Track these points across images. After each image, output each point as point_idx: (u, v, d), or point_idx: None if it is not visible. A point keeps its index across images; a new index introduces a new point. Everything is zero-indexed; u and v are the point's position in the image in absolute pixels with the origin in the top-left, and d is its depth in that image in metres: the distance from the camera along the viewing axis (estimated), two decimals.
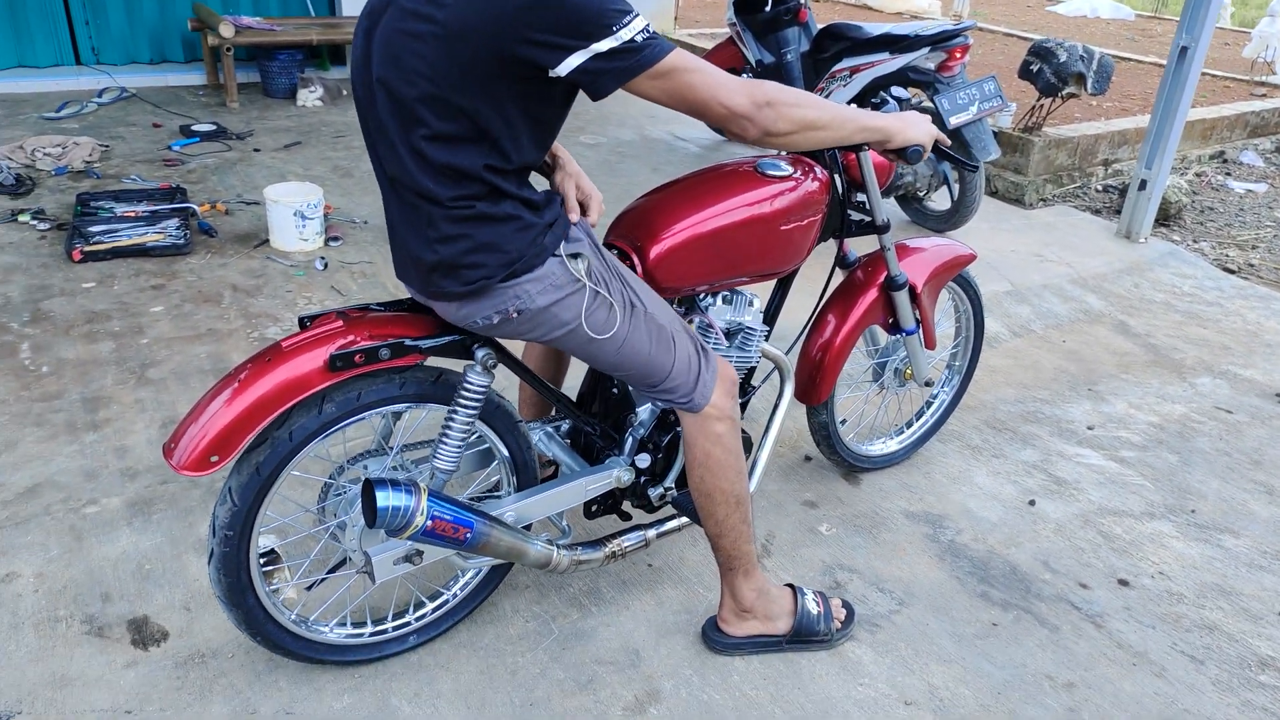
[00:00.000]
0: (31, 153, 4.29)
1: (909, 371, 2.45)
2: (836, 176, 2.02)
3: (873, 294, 2.24)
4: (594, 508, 2.00)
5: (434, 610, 1.92)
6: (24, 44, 5.52)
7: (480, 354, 1.66)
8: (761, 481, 2.23)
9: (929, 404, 2.71)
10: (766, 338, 2.09)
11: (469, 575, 1.95)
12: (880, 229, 2.12)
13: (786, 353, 2.19)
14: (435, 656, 1.91)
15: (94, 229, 3.57)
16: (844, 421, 2.51)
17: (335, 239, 3.74)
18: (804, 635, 1.95)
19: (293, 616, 1.75)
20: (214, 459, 1.47)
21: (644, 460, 1.96)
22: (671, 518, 2.06)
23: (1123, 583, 2.25)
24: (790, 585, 2.01)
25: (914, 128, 1.74)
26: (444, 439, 1.70)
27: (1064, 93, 4.62)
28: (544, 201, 1.55)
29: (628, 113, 6.00)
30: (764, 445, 2.13)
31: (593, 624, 2.03)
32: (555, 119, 1.50)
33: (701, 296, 1.97)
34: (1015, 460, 2.73)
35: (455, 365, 1.71)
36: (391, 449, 1.77)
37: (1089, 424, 2.94)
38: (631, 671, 1.91)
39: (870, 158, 2.02)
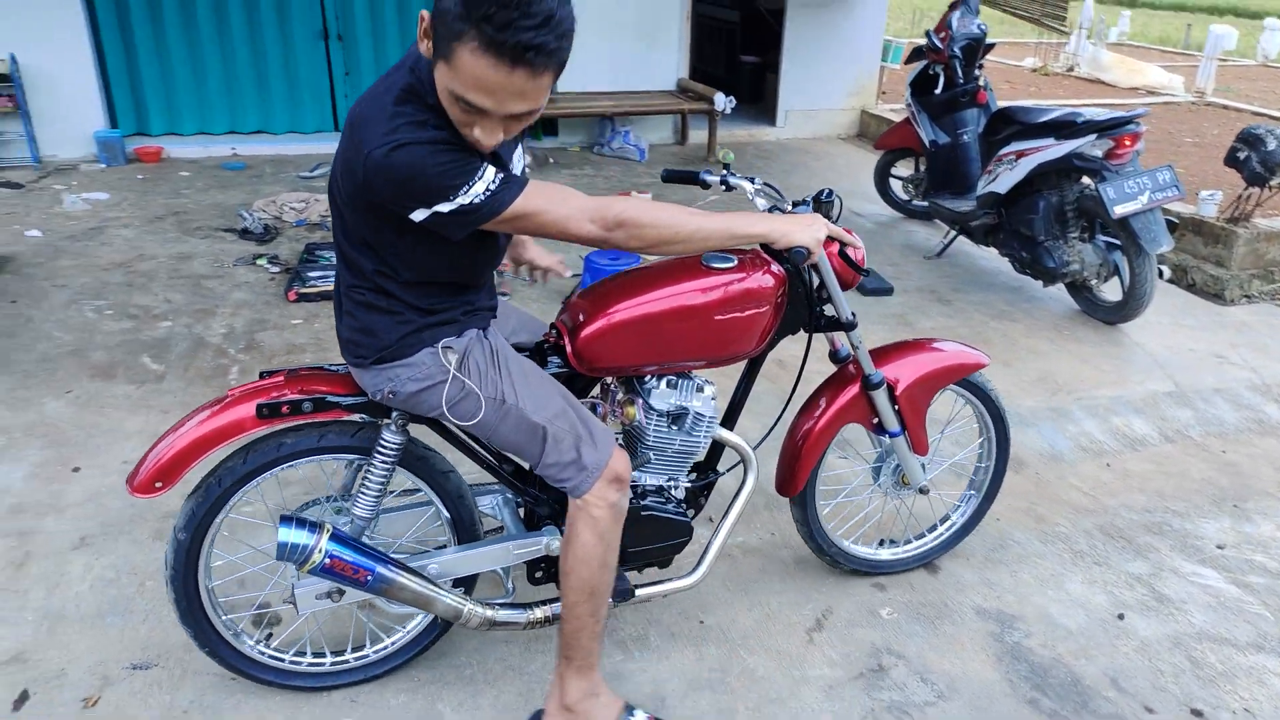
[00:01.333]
0: (280, 206, 5.10)
1: (906, 476, 2.40)
2: (803, 272, 2.02)
3: (853, 390, 2.24)
4: (538, 573, 2.08)
5: (375, 653, 2.10)
6: (296, 113, 6.54)
7: (395, 414, 1.86)
8: (714, 567, 2.17)
9: (943, 520, 2.61)
10: (729, 425, 2.15)
11: (412, 622, 2.11)
12: (845, 326, 2.10)
13: (756, 446, 2.19)
14: (485, 674, 2.14)
15: (311, 274, 4.20)
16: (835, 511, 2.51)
17: (504, 294, 4.17)
18: None
19: (250, 642, 2.00)
20: (158, 485, 1.76)
21: None
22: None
23: (1196, 713, 2.10)
24: (626, 703, 1.98)
25: (800, 230, 1.78)
26: (362, 488, 1.91)
27: (1273, 183, 4.28)
28: (437, 306, 1.74)
29: (807, 184, 6.15)
30: (718, 532, 2.17)
31: (632, 667, 2.18)
32: (453, 251, 1.66)
33: (645, 379, 2.02)
34: (1119, 570, 2.59)
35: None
36: (352, 496, 1.95)
37: (1220, 543, 2.73)
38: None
39: (825, 258, 1.98)
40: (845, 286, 2.05)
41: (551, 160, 6.39)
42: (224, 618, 1.97)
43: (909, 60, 5.05)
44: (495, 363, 1.80)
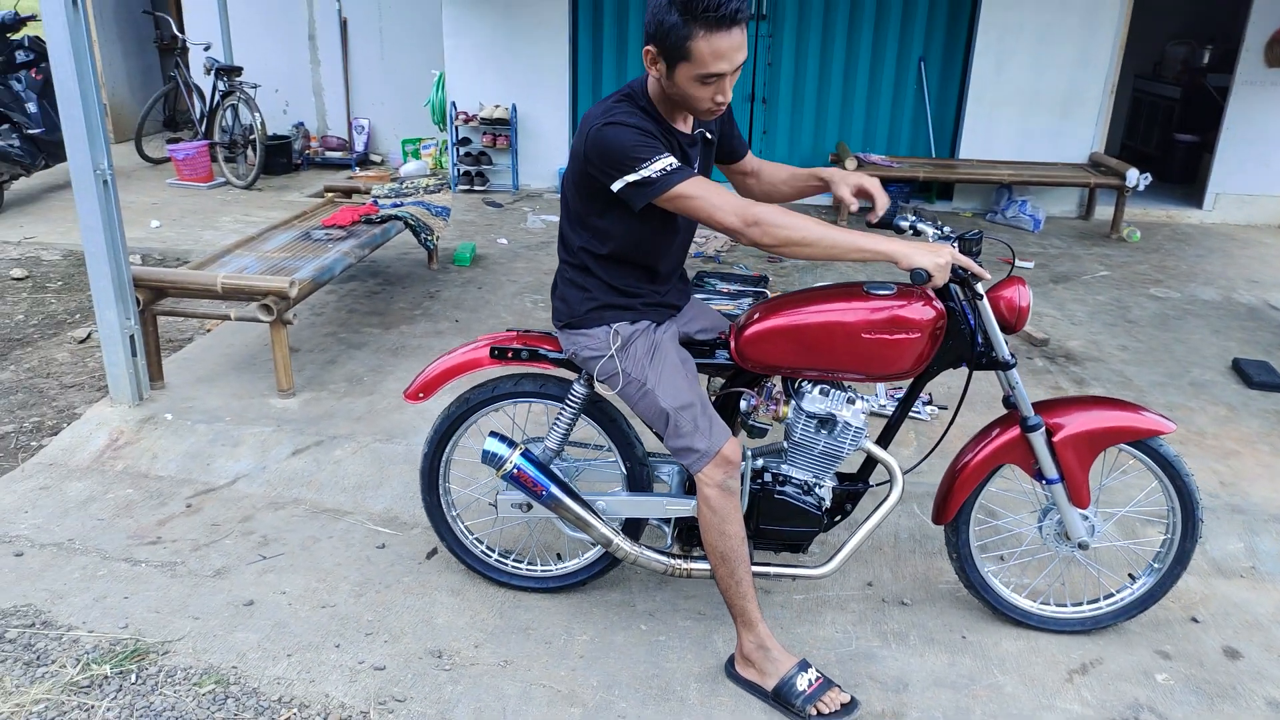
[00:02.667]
0: None
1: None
2: (966, 308, 2.19)
3: (1014, 431, 2.31)
4: (680, 532, 2.47)
5: (558, 568, 2.63)
6: None
7: (583, 371, 2.31)
8: (847, 565, 2.50)
9: (1118, 590, 2.52)
10: (882, 442, 2.35)
11: (589, 552, 2.59)
12: (1001, 365, 2.21)
13: (908, 470, 2.38)
14: (604, 596, 2.53)
15: (697, 295, 4.90)
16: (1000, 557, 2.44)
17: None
18: (781, 699, 2.22)
19: (469, 537, 2.64)
20: (421, 395, 2.45)
21: None
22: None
23: None
24: (802, 660, 2.25)
25: (921, 254, 1.94)
26: (554, 426, 2.41)
27: None
28: (625, 288, 2.21)
29: (1224, 272, 5.67)
30: (853, 536, 2.39)
31: (885, 654, 2.44)
32: (639, 229, 2.13)
33: (800, 382, 2.30)
34: None
35: None
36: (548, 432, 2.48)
37: None
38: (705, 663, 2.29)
39: (986, 299, 2.15)
40: (1010, 331, 2.20)
41: (939, 222, 6.57)
42: (453, 513, 2.63)
43: None
44: (650, 352, 2.22)
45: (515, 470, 2.36)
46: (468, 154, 7.27)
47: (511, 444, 2.39)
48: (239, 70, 7.40)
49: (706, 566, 2.37)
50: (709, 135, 2.26)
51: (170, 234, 6.03)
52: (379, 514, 3.03)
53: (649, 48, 1.99)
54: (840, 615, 2.59)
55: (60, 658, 2.30)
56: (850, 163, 6.39)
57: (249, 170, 7.35)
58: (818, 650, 2.45)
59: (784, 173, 2.44)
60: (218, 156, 7.50)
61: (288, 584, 2.63)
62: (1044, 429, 2.30)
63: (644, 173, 1.99)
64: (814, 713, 2.18)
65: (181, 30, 8.17)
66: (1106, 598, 2.54)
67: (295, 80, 8.42)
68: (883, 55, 7.06)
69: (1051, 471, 2.33)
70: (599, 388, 2.37)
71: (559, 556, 2.72)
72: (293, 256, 4.03)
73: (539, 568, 2.66)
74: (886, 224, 2.19)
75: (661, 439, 2.27)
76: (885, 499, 2.37)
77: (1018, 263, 5.70)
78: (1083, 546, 2.42)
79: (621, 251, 2.22)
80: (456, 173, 7.32)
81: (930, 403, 3.71)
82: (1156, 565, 2.49)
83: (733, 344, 2.30)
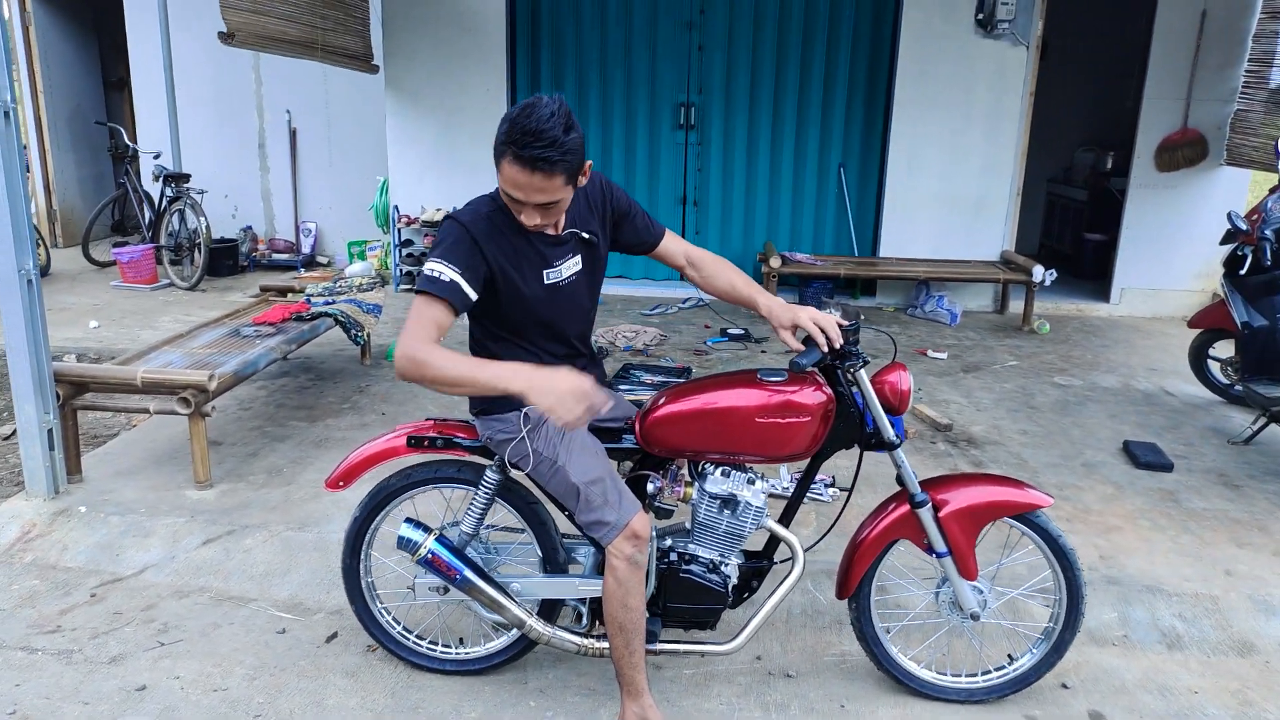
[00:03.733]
0: (616, 334, 6.14)
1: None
2: (855, 392, 2.37)
3: (904, 508, 2.46)
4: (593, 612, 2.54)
5: (471, 651, 2.70)
6: (650, 264, 7.77)
7: (496, 457, 2.43)
8: (751, 643, 2.58)
9: (1009, 661, 2.65)
10: (783, 521, 2.48)
11: (503, 636, 2.67)
12: (888, 445, 2.38)
13: (808, 548, 2.51)
14: (498, 674, 2.60)
15: (621, 386, 5.07)
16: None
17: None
18: None
19: (396, 629, 2.71)
20: (341, 484, 2.54)
21: None
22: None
23: None
24: None
25: (542, 393, 2.01)
26: (468, 511, 2.50)
27: None
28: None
29: (1126, 361, 5.97)
30: (759, 612, 2.47)
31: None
32: (515, 306, 2.29)
33: (703, 465, 2.43)
34: None
35: None
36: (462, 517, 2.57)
37: None
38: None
39: (866, 382, 2.35)
40: (894, 413, 2.36)
41: (863, 317, 6.86)
42: (375, 599, 2.70)
43: (1223, 241, 4.90)
44: (561, 432, 2.33)
45: (430, 555, 2.45)
46: (409, 254, 7.50)
47: (426, 530, 2.48)
48: (187, 177, 7.64)
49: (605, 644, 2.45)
50: (585, 235, 2.38)
51: (108, 333, 6.12)
52: (283, 600, 3.07)
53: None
54: (727, 688, 2.67)
55: None
56: (775, 260, 6.70)
57: (194, 272, 7.50)
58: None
59: (724, 281, 2.54)
60: (163, 259, 7.65)
61: (182, 669, 2.67)
62: (930, 505, 2.44)
63: (425, 267, 2.19)
64: None
65: (134, 140, 8.43)
66: (1010, 661, 2.66)
67: (245, 186, 8.68)
68: (805, 161, 7.49)
69: (940, 545, 2.45)
70: (513, 472, 2.47)
71: (485, 637, 2.77)
72: (219, 352, 4.15)
73: (457, 651, 2.72)
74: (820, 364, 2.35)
75: (572, 518, 2.37)
76: (787, 575, 2.47)
77: (931, 353, 5.98)
78: (974, 617, 2.53)
79: (513, 331, 2.35)
80: (400, 273, 7.53)
81: (833, 484, 3.87)
82: (1049, 628, 2.60)
83: (637, 428, 2.42)
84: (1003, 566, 2.75)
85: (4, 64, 3.25)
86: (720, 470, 2.42)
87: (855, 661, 2.80)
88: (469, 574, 2.46)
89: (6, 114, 3.27)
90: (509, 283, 2.26)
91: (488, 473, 2.50)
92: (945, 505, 2.44)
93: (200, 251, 7.46)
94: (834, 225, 7.62)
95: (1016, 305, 7.13)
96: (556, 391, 2.01)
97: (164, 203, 7.66)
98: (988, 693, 2.62)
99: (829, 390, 2.35)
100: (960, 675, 2.66)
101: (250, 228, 8.60)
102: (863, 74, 7.28)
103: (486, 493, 2.50)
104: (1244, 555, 3.41)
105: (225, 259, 8.00)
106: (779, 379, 2.35)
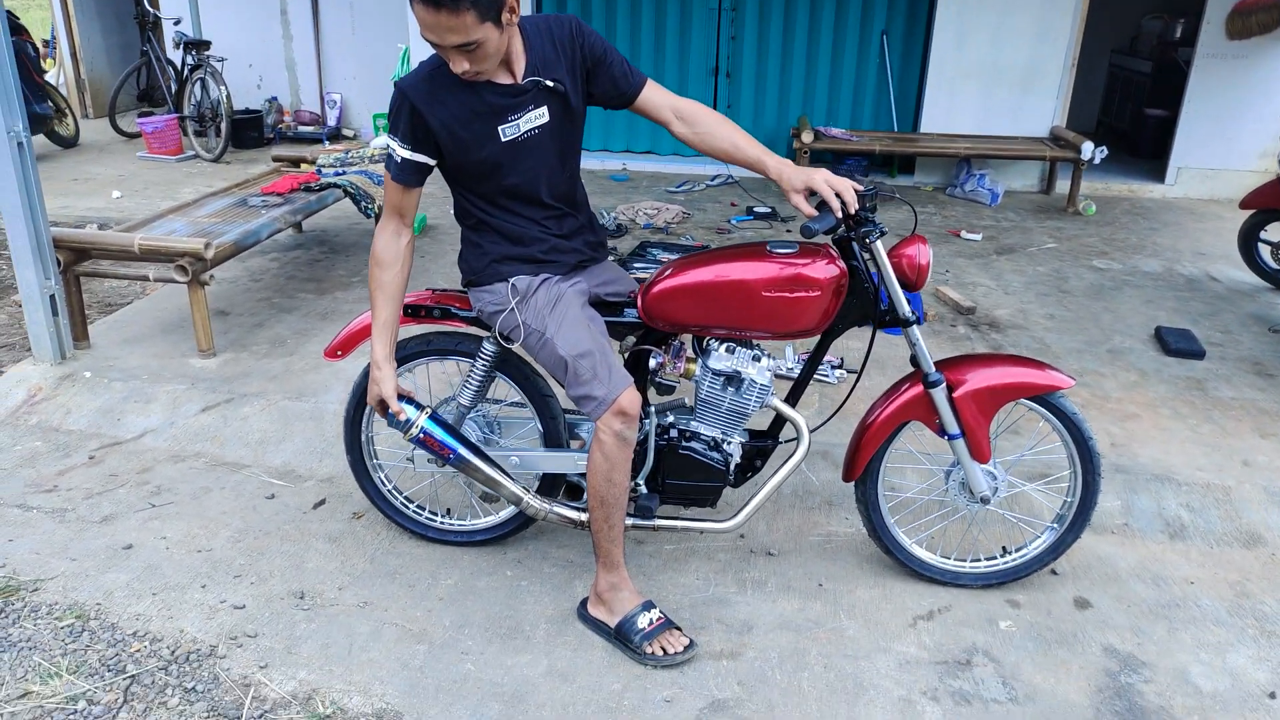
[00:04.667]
0: (637, 211, 5.97)
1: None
2: (870, 267, 2.23)
3: (917, 388, 2.33)
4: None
5: (473, 523, 2.69)
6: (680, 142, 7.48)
7: (493, 329, 2.34)
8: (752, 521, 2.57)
9: (1017, 548, 2.57)
10: (790, 401, 2.38)
11: (492, 513, 2.67)
12: (904, 322, 2.24)
13: (815, 428, 2.43)
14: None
15: (635, 264, 4.95)
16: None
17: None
18: (621, 635, 2.29)
19: (388, 487, 2.70)
20: (339, 353, 2.52)
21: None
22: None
23: None
24: (647, 600, 2.32)
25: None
26: (465, 384, 2.46)
27: None
28: (519, 238, 2.25)
29: (1173, 245, 5.66)
30: (760, 491, 2.41)
31: (738, 600, 2.50)
32: (486, 167, 2.19)
33: (708, 340, 2.34)
34: None
35: None
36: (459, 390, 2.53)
37: None
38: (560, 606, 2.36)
39: (883, 254, 2.18)
40: (911, 289, 2.23)
41: (897, 195, 6.58)
42: (376, 466, 2.68)
43: None
44: (551, 304, 2.25)
45: (422, 434, 2.37)
46: None
47: (419, 407, 2.39)
48: (207, 44, 7.47)
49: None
50: (549, 83, 2.14)
51: (129, 204, 6.12)
52: (276, 467, 3.11)
53: None
54: (705, 564, 2.65)
55: None
56: (807, 134, 6.40)
57: (219, 143, 7.43)
58: (674, 595, 2.51)
59: (724, 140, 2.30)
60: (187, 130, 7.59)
61: (170, 530, 2.72)
62: (945, 385, 2.33)
63: (391, 141, 2.16)
64: (649, 651, 2.25)
65: (156, 6, 8.24)
66: (1017, 549, 2.57)
67: (268, 55, 8.49)
68: (845, 29, 7.05)
69: (953, 427, 2.35)
70: (509, 344, 2.41)
71: (471, 510, 2.76)
72: (223, 221, 4.10)
73: (459, 523, 2.71)
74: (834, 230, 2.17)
75: (565, 389, 2.30)
76: (792, 455, 2.40)
77: (965, 234, 5.73)
78: (984, 501, 2.45)
79: (484, 197, 2.25)
80: None
81: (840, 366, 3.75)
82: (1061, 513, 2.51)
83: (640, 302, 2.34)
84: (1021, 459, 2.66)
85: None
86: (725, 346, 2.34)
87: (840, 542, 2.76)
88: (463, 451, 2.39)
89: None
90: (458, 142, 2.13)
91: (484, 344, 2.44)
92: (961, 385, 2.32)
93: (223, 122, 7.36)
94: (873, 99, 7.23)
95: (1063, 185, 6.75)
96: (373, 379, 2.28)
97: (186, 71, 7.54)
98: (981, 579, 2.56)
99: (842, 264, 2.22)
100: (949, 558, 2.59)
101: (275, 99, 8.46)
102: None
103: (484, 365, 2.45)
104: (1266, 446, 3.25)
105: (250, 130, 7.90)
106: (789, 250, 2.22)
